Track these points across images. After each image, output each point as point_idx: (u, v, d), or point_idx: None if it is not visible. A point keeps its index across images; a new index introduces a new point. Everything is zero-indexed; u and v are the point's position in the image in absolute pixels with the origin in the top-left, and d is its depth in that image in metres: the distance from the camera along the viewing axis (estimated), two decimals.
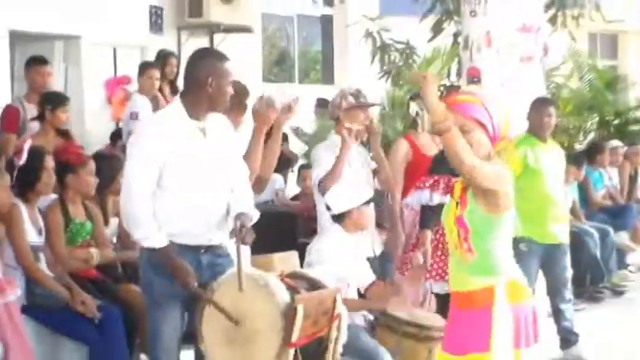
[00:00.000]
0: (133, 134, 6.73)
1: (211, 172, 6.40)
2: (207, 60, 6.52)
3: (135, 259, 7.59)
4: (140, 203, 6.31)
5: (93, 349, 7.41)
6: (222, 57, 6.57)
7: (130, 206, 6.36)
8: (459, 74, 13.58)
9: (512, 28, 9.98)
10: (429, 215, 8.16)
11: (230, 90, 6.49)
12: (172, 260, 6.23)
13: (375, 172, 8.62)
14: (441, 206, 7.04)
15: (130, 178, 6.37)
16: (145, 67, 12.04)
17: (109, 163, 8.58)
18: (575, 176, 12.81)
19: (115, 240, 8.47)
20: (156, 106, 11.39)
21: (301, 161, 13.92)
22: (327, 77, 19.07)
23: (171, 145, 6.31)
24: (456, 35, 14.19)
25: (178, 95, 6.65)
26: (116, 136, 12.02)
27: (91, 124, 12.30)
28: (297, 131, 14.92)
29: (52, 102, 10.26)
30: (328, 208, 7.69)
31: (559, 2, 12.71)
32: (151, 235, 6.29)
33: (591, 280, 12.46)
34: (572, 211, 12.42)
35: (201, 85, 6.35)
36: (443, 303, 7.57)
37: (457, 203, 5.08)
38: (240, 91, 7.59)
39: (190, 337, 6.50)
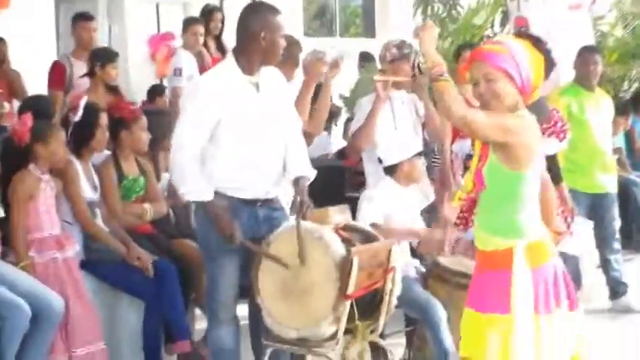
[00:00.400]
0: (188, 91, 6.81)
1: (265, 126, 6.48)
2: (259, 14, 6.49)
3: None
4: (188, 158, 6.39)
5: (149, 304, 7.51)
6: (274, 10, 6.56)
7: (179, 161, 6.48)
8: (502, 24, 13.70)
9: None
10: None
11: (283, 43, 6.49)
12: (216, 215, 6.34)
13: (423, 124, 8.50)
14: None
15: (181, 134, 6.49)
16: (188, 22, 12.06)
17: (161, 119, 8.74)
18: (623, 126, 12.88)
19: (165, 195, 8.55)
20: (201, 62, 11.53)
21: (346, 115, 13.90)
22: (369, 31, 19.06)
23: (224, 102, 6.40)
24: None
25: (231, 51, 6.67)
26: (153, 93, 12.15)
27: (135, 81, 12.45)
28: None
29: (101, 58, 10.36)
30: (380, 161, 7.62)
31: None
32: (195, 190, 6.41)
33: (638, 230, 12.50)
34: (619, 161, 12.36)
35: (254, 38, 6.37)
36: None
37: (479, 157, 4.91)
38: (292, 45, 7.68)
39: (245, 290, 6.65)
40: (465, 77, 7.97)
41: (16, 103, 10.37)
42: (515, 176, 4.71)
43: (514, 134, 4.65)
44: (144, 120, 8.09)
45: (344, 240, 6.18)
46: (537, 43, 5.37)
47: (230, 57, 6.59)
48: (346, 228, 6.50)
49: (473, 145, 7.70)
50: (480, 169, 4.79)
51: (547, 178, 5.14)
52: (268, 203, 6.57)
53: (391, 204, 7.38)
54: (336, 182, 9.47)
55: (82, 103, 8.20)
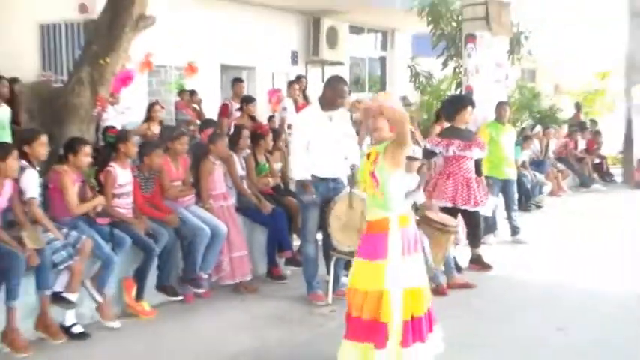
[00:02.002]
0: (296, 120, 7.14)
1: (335, 139, 6.87)
2: (334, 81, 6.98)
3: None
4: (295, 157, 6.89)
5: (270, 230, 7.85)
6: (342, 80, 7.04)
7: (292, 158, 6.99)
8: (457, 88, 14.26)
9: (490, 64, 10.28)
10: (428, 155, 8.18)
11: (346, 97, 6.99)
12: (305, 186, 6.80)
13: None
14: (456, 156, 7.91)
15: (293, 143, 6.98)
16: (290, 83, 12.42)
17: (275, 134, 8.89)
18: (526, 146, 13.56)
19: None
20: (295, 105, 11.81)
21: None
22: (383, 87, 19.35)
23: (313, 126, 6.84)
24: (455, 67, 14.64)
25: (317, 98, 7.05)
26: (270, 119, 11.80)
27: (260, 113, 12.92)
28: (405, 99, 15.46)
29: (247, 100, 11.13)
30: None
31: (511, 50, 13.19)
32: (297, 174, 6.90)
33: (525, 199, 13.03)
34: (522, 164, 13.20)
35: (330, 94, 6.87)
36: (444, 212, 7.77)
37: (373, 162, 4.81)
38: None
39: (320, 226, 7.04)
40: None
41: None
42: (393, 173, 4.76)
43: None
44: (270, 133, 8.53)
45: None
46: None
47: (316, 102, 7.03)
48: None
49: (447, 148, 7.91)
50: (373, 172, 4.78)
51: None
52: (335, 180, 6.95)
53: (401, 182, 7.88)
54: None
55: (232, 124, 8.98)
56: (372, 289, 4.71)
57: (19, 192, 5.89)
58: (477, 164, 8.23)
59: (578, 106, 19.90)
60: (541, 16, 17.60)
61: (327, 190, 6.91)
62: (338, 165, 6.96)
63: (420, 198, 7.65)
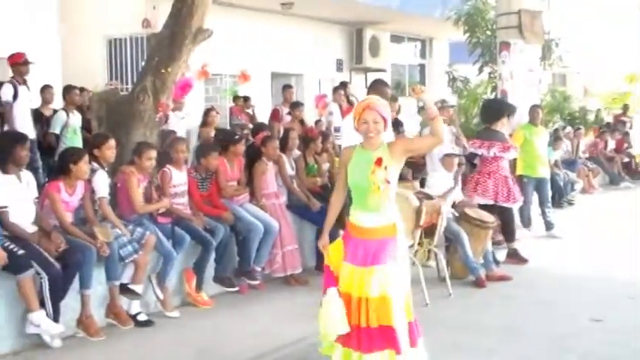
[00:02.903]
0: (345, 123, 7.12)
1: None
2: (376, 85, 6.91)
3: None
4: None
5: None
6: (385, 83, 7.08)
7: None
8: (492, 91, 14.10)
9: (524, 69, 10.30)
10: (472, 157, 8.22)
11: (386, 97, 6.78)
12: None
13: (457, 140, 8.66)
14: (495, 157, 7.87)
15: (345, 138, 6.83)
16: (335, 89, 12.00)
17: (323, 136, 8.89)
18: (557, 146, 13.21)
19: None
20: (340, 109, 11.36)
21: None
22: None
23: None
24: (490, 73, 14.59)
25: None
26: (316, 123, 11.67)
27: (308, 117, 12.90)
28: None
29: (295, 105, 11.18)
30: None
31: (543, 56, 13.01)
32: None
33: (558, 197, 12.71)
34: (554, 163, 12.85)
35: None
36: (483, 209, 7.75)
37: (384, 169, 4.26)
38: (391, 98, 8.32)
39: None
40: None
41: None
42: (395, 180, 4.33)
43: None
44: (320, 137, 8.56)
45: (418, 198, 6.64)
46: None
47: None
48: (419, 192, 7.07)
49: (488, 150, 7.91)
50: (386, 177, 4.27)
51: None
52: None
53: (442, 181, 7.64)
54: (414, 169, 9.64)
55: (282, 128, 9.01)
56: (364, 295, 4.25)
57: (90, 191, 6.01)
58: (513, 162, 8.27)
59: (625, 108, 19.40)
60: (568, 18, 17.33)
61: None
62: None
63: (459, 195, 7.59)
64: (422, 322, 5.90)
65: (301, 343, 5.52)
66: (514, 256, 8.30)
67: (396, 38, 18.21)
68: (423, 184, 8.03)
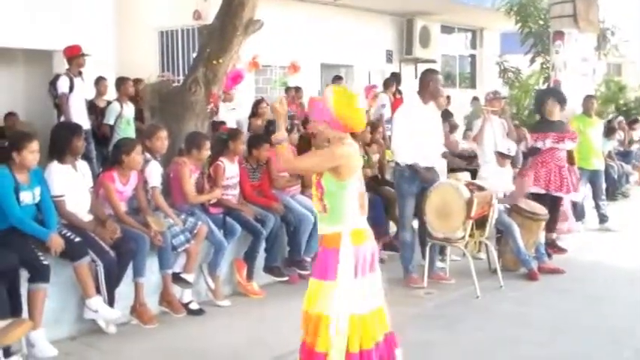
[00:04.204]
0: (398, 113, 7.03)
1: (432, 131, 6.83)
2: (429, 74, 6.91)
3: None
4: (400, 143, 6.75)
5: (369, 217, 7.70)
6: (436, 72, 7.01)
7: (396, 144, 6.82)
8: (545, 82, 13.94)
9: (578, 59, 10.13)
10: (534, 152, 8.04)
11: (440, 89, 6.91)
12: (420, 172, 6.69)
13: (508, 134, 8.30)
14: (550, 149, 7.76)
15: (396, 132, 6.85)
16: (387, 81, 12.32)
17: (372, 127, 8.68)
18: (611, 137, 12.86)
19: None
20: (391, 100, 11.73)
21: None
22: (473, 84, 19.31)
23: (413, 116, 6.74)
24: (542, 63, 14.43)
25: (415, 92, 6.90)
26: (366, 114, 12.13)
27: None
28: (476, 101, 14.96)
29: None
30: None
31: (598, 46, 12.76)
32: (404, 159, 6.75)
33: (612, 189, 12.42)
34: (608, 154, 12.44)
35: (427, 86, 6.77)
36: (535, 198, 7.70)
37: (317, 173, 3.81)
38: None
39: (416, 214, 6.98)
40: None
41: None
42: (340, 184, 3.71)
43: (340, 158, 3.70)
44: (368, 127, 8.14)
45: (469, 189, 6.59)
46: None
47: (415, 95, 6.86)
48: (470, 183, 6.92)
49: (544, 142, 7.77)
50: (319, 181, 3.74)
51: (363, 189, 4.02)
52: (430, 169, 6.82)
53: (495, 174, 7.52)
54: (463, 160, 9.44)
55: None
56: (314, 311, 3.79)
57: (143, 181, 6.10)
58: (569, 153, 8.07)
59: None
60: (624, 6, 16.94)
61: (422, 181, 6.81)
62: (434, 154, 6.94)
63: (510, 187, 7.55)
64: (473, 314, 5.98)
65: None
66: (552, 246, 8.17)
67: (447, 29, 18.06)
68: (474, 176, 7.92)
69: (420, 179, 6.72)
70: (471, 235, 6.72)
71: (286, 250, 7.15)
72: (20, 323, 4.50)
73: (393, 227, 8.06)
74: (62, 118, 8.56)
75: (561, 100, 8.08)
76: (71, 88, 8.66)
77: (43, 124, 9.51)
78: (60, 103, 8.69)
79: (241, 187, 6.93)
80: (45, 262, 5.06)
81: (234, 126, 9.13)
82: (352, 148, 3.80)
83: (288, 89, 12.12)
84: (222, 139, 7.01)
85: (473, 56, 19.68)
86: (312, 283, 3.87)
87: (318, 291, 3.79)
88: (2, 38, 9.77)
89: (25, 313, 4.92)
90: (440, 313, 6.09)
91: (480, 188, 6.86)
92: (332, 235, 3.79)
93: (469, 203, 6.45)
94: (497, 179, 7.47)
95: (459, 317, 5.97)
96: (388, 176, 8.46)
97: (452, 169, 8.26)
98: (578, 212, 9.56)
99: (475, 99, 15.26)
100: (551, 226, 8.14)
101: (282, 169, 4.29)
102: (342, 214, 3.77)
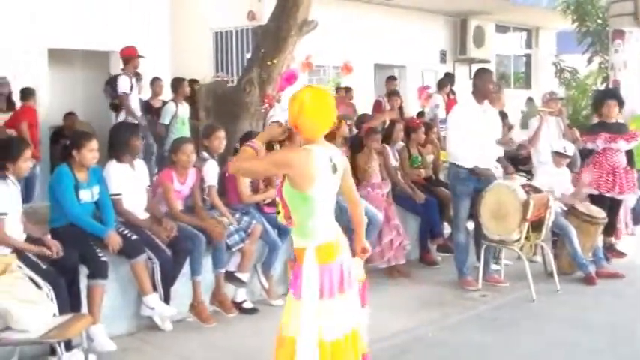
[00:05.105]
0: (453, 113, 7.00)
1: (487, 132, 6.75)
2: (482, 74, 6.85)
3: None
4: (456, 146, 6.69)
5: (423, 218, 7.80)
6: (489, 72, 6.94)
7: (452, 147, 6.76)
8: (603, 82, 13.72)
9: (638, 58, 9.98)
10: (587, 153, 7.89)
11: (494, 88, 6.89)
12: (476, 173, 6.66)
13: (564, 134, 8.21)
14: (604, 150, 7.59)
15: (452, 134, 6.81)
16: (440, 81, 12.20)
17: (427, 127, 8.65)
18: None
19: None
20: (445, 100, 11.59)
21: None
22: (527, 84, 19.07)
23: (468, 118, 6.67)
24: (600, 63, 14.18)
25: (470, 93, 6.85)
26: (420, 114, 11.62)
27: (411, 109, 12.76)
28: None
29: (393, 94, 11.17)
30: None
31: None
32: (461, 162, 6.68)
33: None
34: None
35: (481, 87, 6.72)
36: (594, 201, 7.54)
37: (281, 180, 3.46)
38: (499, 89, 8.18)
39: (470, 215, 6.93)
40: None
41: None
42: (301, 195, 3.36)
43: (285, 167, 3.37)
44: (422, 128, 8.38)
45: (526, 191, 6.54)
46: None
47: (470, 96, 6.82)
48: (526, 185, 6.92)
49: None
50: (280, 189, 3.44)
51: (356, 199, 3.80)
52: (489, 171, 6.81)
53: (551, 176, 7.42)
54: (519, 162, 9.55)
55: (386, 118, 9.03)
56: (287, 335, 3.46)
57: (200, 180, 6.18)
58: (629, 155, 7.87)
59: None
60: None
61: (478, 181, 6.77)
62: (489, 156, 6.89)
63: (566, 188, 7.42)
64: (528, 318, 5.92)
65: (404, 335, 5.53)
66: (611, 250, 8.00)
67: (502, 28, 17.84)
68: (530, 177, 7.84)
69: (481, 178, 6.68)
70: (526, 238, 6.62)
71: None
72: (80, 318, 4.61)
73: (447, 228, 8.03)
74: (122, 117, 8.69)
75: (620, 101, 7.90)
76: (131, 88, 8.82)
77: (101, 123, 9.78)
78: (120, 103, 8.81)
79: None
80: (103, 259, 5.20)
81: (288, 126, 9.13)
82: (308, 154, 3.37)
83: (338, 89, 12.14)
84: (276, 140, 7.03)
85: (528, 56, 19.41)
86: (288, 297, 3.57)
87: (289, 307, 3.48)
88: (61, 40, 10.06)
89: (84, 309, 5.05)
90: (494, 315, 6.05)
91: (536, 190, 6.79)
92: (297, 250, 3.49)
93: (525, 205, 6.38)
94: (554, 181, 7.37)
95: (514, 320, 5.92)
96: (442, 177, 8.44)
97: (506, 171, 8.13)
98: (637, 215, 9.32)
99: (530, 99, 15.07)
100: (609, 230, 7.97)
101: (229, 168, 3.83)
102: (307, 228, 3.42)
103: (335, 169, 3.45)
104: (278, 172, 3.44)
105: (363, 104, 11.81)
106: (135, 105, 8.93)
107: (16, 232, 4.89)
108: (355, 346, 3.48)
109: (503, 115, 9.19)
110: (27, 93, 9.00)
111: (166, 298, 5.57)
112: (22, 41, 9.65)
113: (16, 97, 8.97)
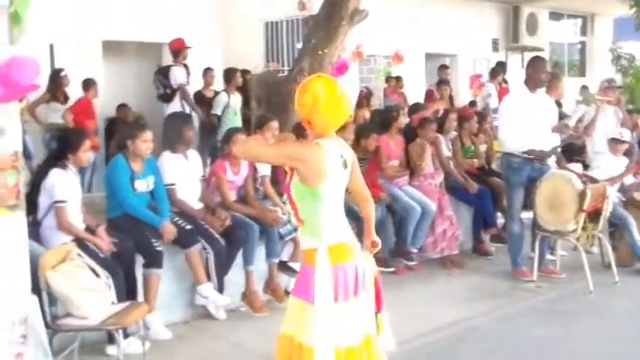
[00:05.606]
0: (504, 103, 6.96)
1: (541, 120, 6.66)
2: (536, 62, 6.78)
3: None
4: (508, 133, 6.63)
5: (476, 208, 7.70)
6: (543, 60, 6.89)
7: (503, 135, 6.71)
8: None
9: None
10: None
11: (547, 76, 6.78)
12: (535, 155, 6.53)
13: (622, 123, 8.19)
14: None
15: (503, 122, 6.75)
16: (493, 70, 12.10)
17: (479, 116, 8.63)
18: None
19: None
20: (497, 89, 11.44)
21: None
22: (582, 72, 18.72)
23: (524, 103, 6.60)
24: None
25: (523, 81, 6.78)
26: (472, 104, 11.61)
27: (462, 98, 12.81)
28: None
29: (442, 84, 11.06)
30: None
31: None
32: (514, 148, 6.63)
33: None
34: None
35: (533, 75, 6.63)
36: None
37: (290, 176, 3.25)
38: (556, 76, 7.96)
39: (525, 205, 6.82)
40: None
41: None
42: (311, 191, 3.18)
43: (298, 161, 3.16)
44: (474, 117, 8.31)
45: (582, 181, 6.44)
46: None
47: (523, 85, 6.76)
48: (582, 175, 6.80)
49: None
50: (288, 185, 3.26)
51: (366, 194, 3.60)
52: (545, 162, 6.78)
53: (608, 165, 7.39)
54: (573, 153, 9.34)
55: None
56: (300, 340, 3.22)
57: (253, 170, 6.22)
58: None
59: None
60: None
61: (532, 170, 6.70)
62: (544, 145, 6.76)
63: (629, 179, 7.25)
64: (587, 310, 5.85)
65: (458, 326, 5.51)
66: None
67: (555, 15, 17.48)
68: (586, 167, 7.69)
69: (537, 158, 6.60)
70: (583, 228, 6.51)
71: (392, 240, 7.16)
72: (138, 306, 4.68)
73: (500, 219, 7.94)
74: (175, 108, 8.71)
75: None
76: (185, 79, 8.89)
77: (152, 115, 9.86)
78: (174, 93, 8.84)
79: None
80: (158, 249, 5.28)
81: None
82: (320, 149, 3.19)
83: (388, 79, 12.10)
84: None
85: (583, 43, 18.99)
86: (291, 300, 3.35)
87: (297, 312, 3.26)
88: (114, 32, 10.24)
89: (140, 297, 5.14)
90: (551, 307, 5.96)
91: (593, 180, 6.71)
92: (308, 251, 3.27)
93: (582, 195, 6.29)
94: (611, 170, 7.28)
95: (571, 313, 5.84)
96: (495, 166, 8.33)
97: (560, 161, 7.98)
98: None
99: (584, 87, 14.73)
100: None
101: (237, 151, 3.72)
102: (317, 226, 3.22)
103: (345, 165, 3.31)
104: (288, 164, 3.20)
105: (414, 94, 11.73)
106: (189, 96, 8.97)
107: (76, 221, 5.02)
108: (370, 354, 3.29)
109: (558, 105, 9.05)
110: (88, 84, 9.18)
111: (220, 288, 5.62)
112: (77, 34, 9.84)
113: (75, 89, 9.12)
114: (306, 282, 3.22)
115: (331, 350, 3.12)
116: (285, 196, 3.24)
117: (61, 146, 5.12)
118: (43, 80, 7.71)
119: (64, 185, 4.92)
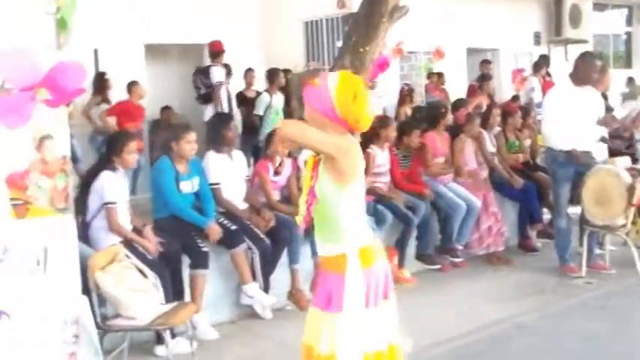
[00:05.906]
0: (549, 97, 6.85)
1: (587, 115, 6.55)
2: (588, 59, 6.66)
3: None
4: (551, 128, 6.55)
5: (522, 204, 7.58)
6: (592, 55, 6.80)
7: (547, 130, 6.65)
8: None
9: None
10: None
11: (595, 72, 6.62)
12: (576, 156, 6.45)
13: None
14: None
15: (547, 116, 6.67)
16: (536, 63, 11.96)
17: (523, 111, 8.50)
18: None
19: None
20: (541, 83, 11.29)
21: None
22: (628, 64, 18.39)
23: (568, 96, 6.50)
24: None
25: (569, 75, 6.68)
26: (515, 99, 11.32)
27: (505, 93, 12.72)
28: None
29: (483, 79, 10.91)
30: None
31: None
32: (557, 144, 6.54)
33: None
34: None
35: (581, 70, 6.52)
36: None
37: (311, 177, 3.04)
38: (604, 71, 7.94)
39: (572, 199, 6.78)
40: None
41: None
42: (343, 189, 2.99)
43: (344, 153, 2.95)
44: (518, 112, 8.14)
45: (631, 175, 6.39)
46: None
47: (568, 79, 6.66)
48: (632, 168, 6.78)
49: None
50: (312, 187, 3.00)
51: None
52: (587, 154, 6.62)
53: None
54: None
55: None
56: (325, 352, 3.07)
57: (296, 170, 6.26)
58: None
59: None
60: None
61: (578, 165, 6.59)
62: (590, 139, 6.69)
63: None
64: (638, 306, 5.65)
65: (505, 324, 5.44)
66: None
67: (600, 6, 17.18)
68: (635, 160, 7.56)
69: (576, 162, 6.49)
70: (633, 223, 6.43)
71: (438, 237, 7.15)
72: (185, 306, 4.74)
73: (547, 214, 7.85)
74: (212, 109, 8.79)
75: None
76: (224, 78, 8.96)
77: (195, 116, 9.93)
78: (214, 92, 8.90)
79: (391, 174, 6.95)
80: (204, 250, 5.33)
81: (381, 113, 9.12)
82: (357, 146, 3.09)
83: (430, 75, 12.03)
84: (371, 127, 7.02)
85: (628, 34, 18.64)
86: (311, 312, 3.18)
87: (320, 323, 3.09)
88: (158, 35, 10.34)
89: (187, 298, 5.18)
90: (602, 304, 5.85)
91: None
92: (334, 257, 3.06)
93: (630, 190, 6.21)
94: None
95: (623, 309, 5.71)
96: (540, 161, 8.25)
97: (611, 154, 7.86)
98: None
99: (631, 80, 14.47)
100: None
101: (287, 130, 3.06)
102: (343, 229, 3.05)
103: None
104: (332, 152, 2.93)
105: (456, 90, 11.63)
106: (224, 96, 9.01)
107: (125, 222, 5.10)
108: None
109: (604, 97, 8.92)
110: (131, 86, 9.29)
111: (266, 287, 5.66)
112: (120, 38, 9.97)
113: (119, 92, 9.25)
114: (329, 291, 3.06)
115: (360, 357, 3.02)
116: (307, 197, 3.02)
117: (107, 149, 5.22)
118: (87, 84, 7.86)
119: (113, 187, 5.01)
